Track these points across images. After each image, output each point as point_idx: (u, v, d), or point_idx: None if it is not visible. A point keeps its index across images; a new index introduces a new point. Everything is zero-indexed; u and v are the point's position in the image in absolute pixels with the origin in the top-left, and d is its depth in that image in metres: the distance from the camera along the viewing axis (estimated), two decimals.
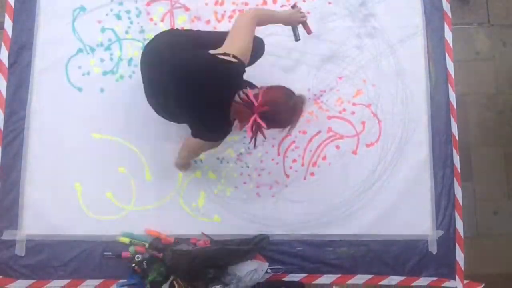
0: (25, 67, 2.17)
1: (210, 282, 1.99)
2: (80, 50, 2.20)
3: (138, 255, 2.01)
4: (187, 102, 1.56)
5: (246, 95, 1.47)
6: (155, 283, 1.99)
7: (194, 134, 1.64)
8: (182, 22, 2.24)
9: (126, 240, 2.06)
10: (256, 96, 1.46)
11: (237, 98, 1.51)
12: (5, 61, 2.17)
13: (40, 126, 2.14)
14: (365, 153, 2.21)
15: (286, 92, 1.51)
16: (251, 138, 1.49)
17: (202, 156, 2.10)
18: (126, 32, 2.23)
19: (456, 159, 2.23)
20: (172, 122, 1.84)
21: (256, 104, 1.43)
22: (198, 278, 1.92)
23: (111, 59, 2.21)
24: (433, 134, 2.24)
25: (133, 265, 2.00)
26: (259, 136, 1.48)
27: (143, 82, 1.76)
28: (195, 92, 1.53)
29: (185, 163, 2.04)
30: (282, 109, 1.46)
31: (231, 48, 1.55)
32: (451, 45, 2.33)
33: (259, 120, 1.42)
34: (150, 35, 2.18)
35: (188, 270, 1.91)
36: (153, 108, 1.79)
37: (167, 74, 1.59)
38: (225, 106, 1.52)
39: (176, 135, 2.08)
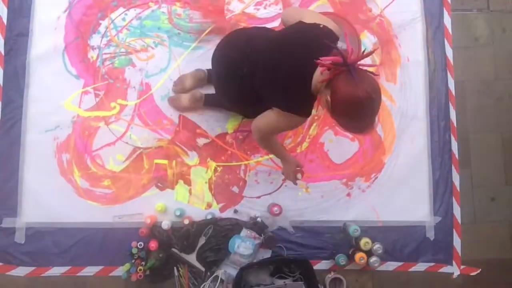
0: (22, 55, 2.16)
1: (211, 265, 2.02)
2: (77, 38, 2.19)
3: (140, 243, 2.02)
4: (277, 68, 1.43)
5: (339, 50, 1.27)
6: (154, 269, 2.01)
7: (285, 108, 1.43)
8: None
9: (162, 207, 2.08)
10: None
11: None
12: (1, 48, 2.16)
13: (38, 114, 2.13)
14: (363, 139, 2.21)
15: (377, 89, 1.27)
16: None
17: None
18: (123, 20, 2.21)
19: (454, 145, 2.24)
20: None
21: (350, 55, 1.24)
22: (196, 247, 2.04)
23: (109, 46, 2.19)
24: (432, 121, 2.24)
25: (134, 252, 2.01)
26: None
27: (218, 76, 1.72)
28: (285, 55, 1.42)
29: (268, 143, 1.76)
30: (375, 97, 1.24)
31: (315, 20, 1.45)
32: (450, 31, 2.31)
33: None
34: (147, 22, 2.19)
35: (187, 236, 2.01)
36: (227, 100, 1.78)
37: (254, 49, 1.52)
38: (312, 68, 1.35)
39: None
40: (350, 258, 2.10)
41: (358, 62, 1.26)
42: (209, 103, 2.11)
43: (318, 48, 1.35)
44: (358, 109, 1.24)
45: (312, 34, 1.43)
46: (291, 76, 1.40)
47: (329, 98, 1.28)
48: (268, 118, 1.52)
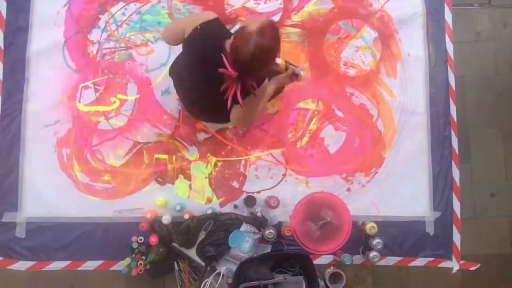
0: (21, 49, 2.16)
1: (211, 260, 2.03)
2: (77, 32, 2.18)
3: (141, 237, 2.02)
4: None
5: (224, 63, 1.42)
6: (154, 264, 2.02)
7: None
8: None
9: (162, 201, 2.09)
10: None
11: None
12: (1, 43, 2.16)
13: (38, 109, 2.13)
14: (363, 134, 2.21)
15: (243, 35, 1.38)
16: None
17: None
18: (123, 14, 2.21)
19: (454, 141, 2.24)
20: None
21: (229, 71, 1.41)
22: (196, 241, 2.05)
23: (109, 41, 2.18)
24: (432, 116, 2.24)
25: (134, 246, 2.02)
26: None
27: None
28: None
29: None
30: (242, 54, 1.36)
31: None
32: (451, 26, 2.31)
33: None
34: (147, 16, 2.18)
35: (187, 231, 2.02)
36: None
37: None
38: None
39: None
40: (362, 254, 2.12)
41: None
42: None
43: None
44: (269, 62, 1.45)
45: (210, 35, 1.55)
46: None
47: None
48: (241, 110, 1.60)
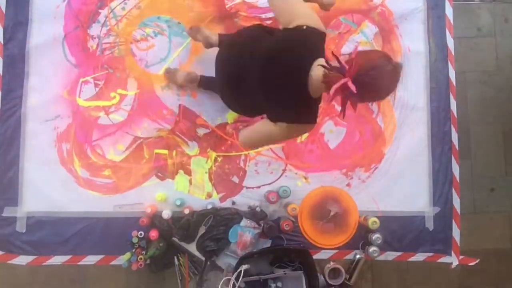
0: (21, 44, 2.15)
1: (211, 255, 2.04)
2: (77, 27, 2.17)
3: (141, 232, 2.03)
4: (269, 80, 1.38)
5: (336, 57, 1.21)
6: (154, 258, 2.03)
7: (278, 118, 1.37)
8: None
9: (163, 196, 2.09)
10: (348, 61, 1.18)
11: (322, 63, 1.27)
12: (0, 37, 2.15)
13: (38, 104, 2.13)
14: (363, 130, 2.21)
15: (384, 55, 1.22)
16: (342, 107, 1.21)
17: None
18: (123, 9, 2.20)
19: (455, 136, 2.24)
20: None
21: (348, 67, 1.16)
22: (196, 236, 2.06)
23: (109, 36, 2.18)
24: (432, 111, 2.24)
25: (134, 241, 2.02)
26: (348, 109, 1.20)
27: (220, 78, 1.66)
28: (276, 65, 1.36)
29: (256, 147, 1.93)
30: (380, 73, 1.16)
31: (298, 21, 1.36)
32: (451, 21, 2.30)
33: (350, 85, 1.13)
34: (147, 11, 2.17)
35: (188, 225, 2.03)
36: (228, 104, 1.71)
37: (250, 59, 1.44)
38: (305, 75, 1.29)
39: None
40: (362, 249, 2.14)
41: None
42: (204, 85, 2.08)
43: (306, 53, 1.32)
44: (384, 92, 1.23)
45: (298, 40, 1.36)
46: (287, 85, 1.33)
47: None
48: (263, 130, 1.44)
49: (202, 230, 2.07)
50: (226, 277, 1.85)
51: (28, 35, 2.16)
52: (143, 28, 2.20)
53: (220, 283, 1.87)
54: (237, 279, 1.87)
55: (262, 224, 2.07)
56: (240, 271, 1.87)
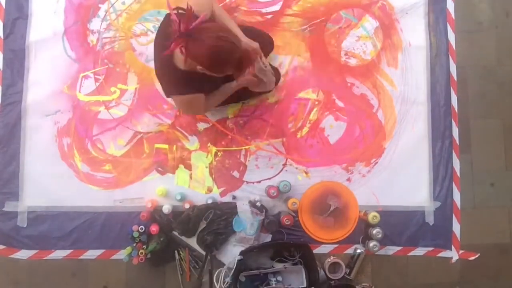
0: (21, 39, 2.15)
1: (211, 248, 2.05)
2: (77, 22, 2.17)
3: (142, 226, 2.03)
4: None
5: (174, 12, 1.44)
6: (155, 253, 2.03)
7: (167, 94, 1.72)
8: None
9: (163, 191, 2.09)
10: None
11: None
12: (0, 32, 2.15)
13: (38, 98, 2.13)
14: (364, 124, 2.21)
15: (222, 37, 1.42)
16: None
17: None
18: (123, 3, 2.19)
19: (455, 131, 2.23)
20: None
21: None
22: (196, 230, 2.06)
23: (109, 31, 2.18)
24: (433, 106, 2.23)
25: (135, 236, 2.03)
26: None
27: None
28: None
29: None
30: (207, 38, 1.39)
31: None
32: (453, 15, 2.29)
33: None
34: (147, 6, 2.18)
35: (188, 220, 2.03)
36: None
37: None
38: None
39: None
40: (362, 243, 2.15)
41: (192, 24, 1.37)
42: None
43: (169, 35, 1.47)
44: (217, 57, 1.42)
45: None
46: (160, 66, 1.64)
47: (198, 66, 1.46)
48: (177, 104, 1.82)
49: (202, 225, 2.07)
50: (226, 267, 1.84)
51: (28, 30, 2.16)
52: (143, 22, 2.19)
53: (219, 273, 1.86)
54: (236, 272, 1.88)
55: (264, 210, 2.07)
56: (237, 262, 1.86)
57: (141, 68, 2.17)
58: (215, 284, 1.79)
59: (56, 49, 2.16)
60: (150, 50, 2.15)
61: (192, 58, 1.43)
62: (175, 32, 1.38)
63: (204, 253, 2.08)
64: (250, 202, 2.10)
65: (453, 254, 2.18)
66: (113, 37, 2.18)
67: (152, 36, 2.17)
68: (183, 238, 2.08)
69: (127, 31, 2.18)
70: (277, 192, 2.07)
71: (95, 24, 2.18)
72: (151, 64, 2.14)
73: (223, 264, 2.07)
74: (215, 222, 2.05)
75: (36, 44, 2.15)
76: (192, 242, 2.08)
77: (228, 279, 1.96)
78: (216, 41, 1.40)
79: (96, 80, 2.16)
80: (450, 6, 2.29)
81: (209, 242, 2.02)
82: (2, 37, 2.15)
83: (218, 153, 2.16)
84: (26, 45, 2.15)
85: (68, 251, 2.09)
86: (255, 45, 1.68)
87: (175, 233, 2.07)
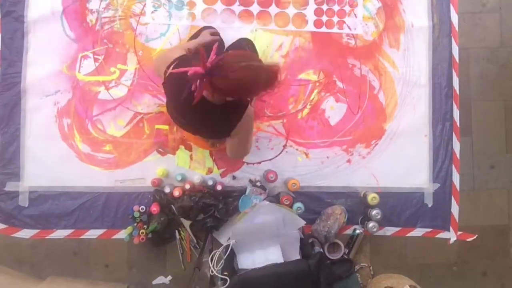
0: (19, 18, 2.12)
1: (211, 230, 2.06)
2: (75, 1, 2.14)
3: (142, 206, 2.05)
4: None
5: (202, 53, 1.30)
6: (156, 233, 2.05)
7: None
8: None
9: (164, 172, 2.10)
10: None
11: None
12: None
13: (37, 79, 2.12)
14: (365, 106, 2.20)
15: (244, 55, 1.44)
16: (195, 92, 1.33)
17: None
18: None
19: (456, 113, 2.23)
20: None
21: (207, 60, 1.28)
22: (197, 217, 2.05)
23: (108, 10, 2.15)
24: (434, 88, 2.22)
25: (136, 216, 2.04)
26: None
27: None
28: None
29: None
30: (230, 68, 1.30)
31: None
32: None
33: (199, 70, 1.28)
34: None
35: (190, 206, 2.01)
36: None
37: None
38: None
39: None
40: (361, 224, 2.16)
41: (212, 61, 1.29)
42: None
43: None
44: (244, 87, 1.36)
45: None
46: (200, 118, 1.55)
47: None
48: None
49: (201, 216, 2.06)
50: (226, 244, 1.84)
51: (25, 9, 2.13)
52: (143, 2, 2.16)
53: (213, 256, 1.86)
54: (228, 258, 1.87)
55: (266, 189, 2.08)
56: (228, 245, 1.87)
57: (141, 48, 2.15)
58: (210, 265, 1.79)
59: (55, 29, 2.13)
60: (149, 29, 2.15)
61: (220, 94, 1.38)
62: (196, 75, 1.29)
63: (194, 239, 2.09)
64: (250, 181, 2.11)
65: (451, 235, 2.20)
66: (112, 17, 2.16)
67: (152, 15, 2.15)
68: (183, 220, 2.08)
69: (126, 10, 2.16)
70: (276, 177, 2.08)
71: (94, 3, 2.15)
72: (151, 44, 2.15)
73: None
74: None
75: (35, 24, 2.13)
76: (187, 224, 2.09)
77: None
78: (240, 74, 1.31)
79: (96, 60, 2.14)
80: None
81: (211, 225, 2.03)
82: (0, 16, 2.12)
83: None
84: (25, 25, 2.12)
85: (70, 231, 2.11)
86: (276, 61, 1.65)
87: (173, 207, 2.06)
